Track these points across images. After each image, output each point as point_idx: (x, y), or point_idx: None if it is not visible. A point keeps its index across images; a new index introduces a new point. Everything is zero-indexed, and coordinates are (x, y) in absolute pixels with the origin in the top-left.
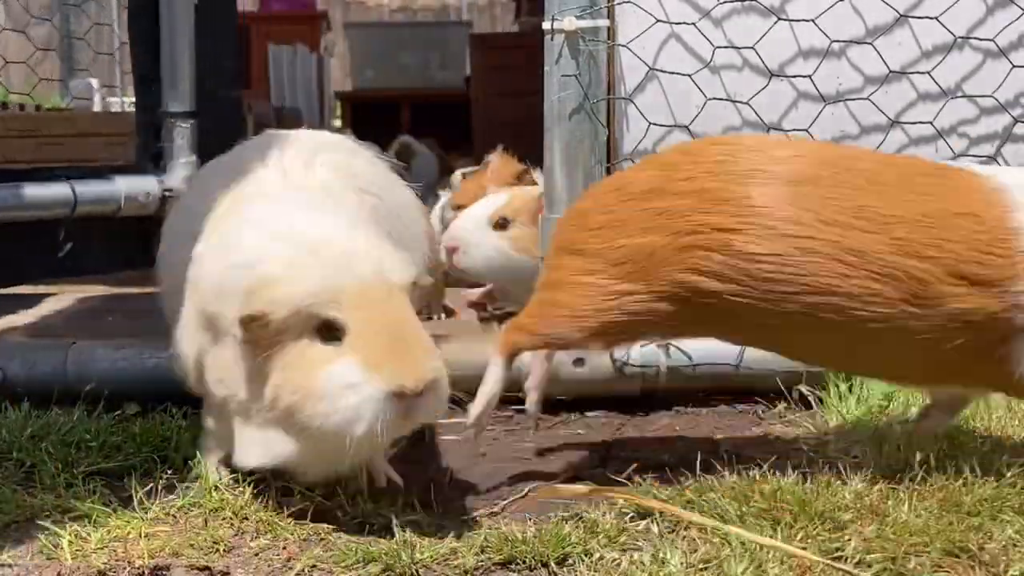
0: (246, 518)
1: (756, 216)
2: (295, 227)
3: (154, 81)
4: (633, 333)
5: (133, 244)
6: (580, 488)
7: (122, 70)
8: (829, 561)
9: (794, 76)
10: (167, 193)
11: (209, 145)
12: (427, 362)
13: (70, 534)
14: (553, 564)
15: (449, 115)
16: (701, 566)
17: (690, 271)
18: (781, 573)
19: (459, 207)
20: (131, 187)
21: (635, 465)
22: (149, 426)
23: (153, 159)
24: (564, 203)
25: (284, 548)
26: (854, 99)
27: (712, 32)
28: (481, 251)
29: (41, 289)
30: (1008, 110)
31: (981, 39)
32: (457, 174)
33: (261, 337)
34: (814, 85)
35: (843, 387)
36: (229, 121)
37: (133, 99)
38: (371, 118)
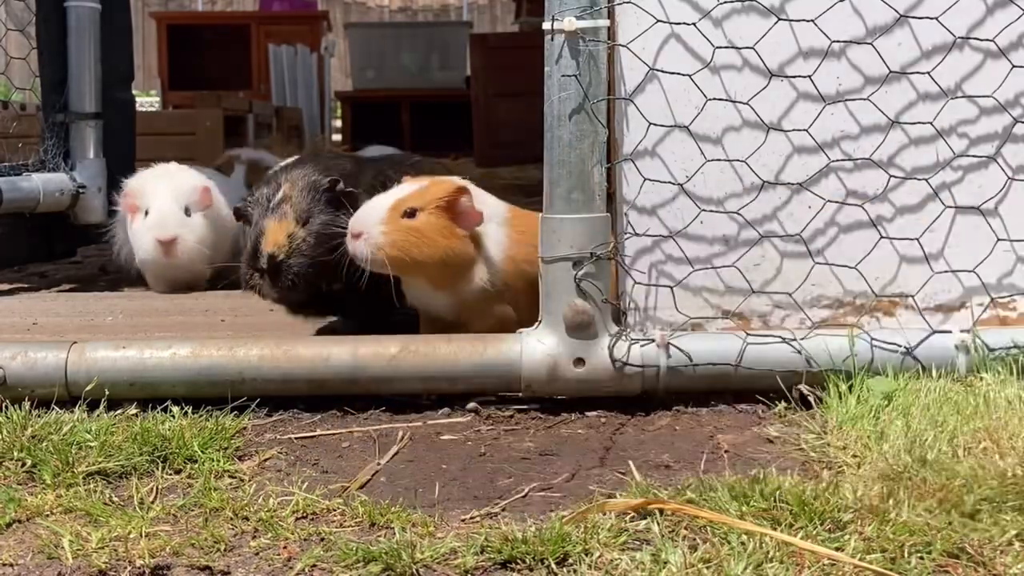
0: (246, 518)
1: None
2: None
3: (61, 84)
4: None
5: (38, 238)
6: (631, 501)
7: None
8: None
9: (794, 76)
10: (80, 190)
11: (106, 144)
12: None
13: (71, 533)
14: (553, 564)
15: (449, 115)
16: (701, 566)
17: None
18: (781, 572)
19: None
20: (48, 184)
21: (635, 465)
22: (150, 425)
23: (63, 158)
24: (565, 202)
25: (284, 548)
26: (854, 99)
27: (712, 32)
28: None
29: (41, 289)
30: (1008, 110)
31: (981, 39)
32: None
33: None
34: (814, 85)
35: (843, 387)
36: (124, 121)
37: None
38: (371, 118)
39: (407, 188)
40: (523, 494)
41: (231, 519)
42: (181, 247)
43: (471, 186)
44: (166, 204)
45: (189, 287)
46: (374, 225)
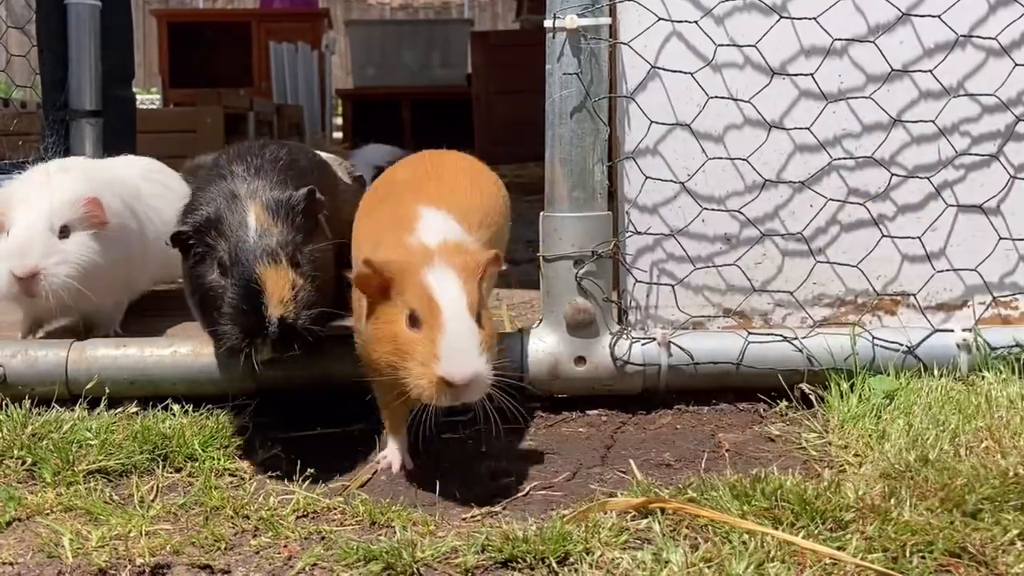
0: (247, 516)
1: None
2: None
3: (61, 82)
4: None
5: None
6: (632, 500)
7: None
8: None
9: (796, 74)
10: None
11: (106, 142)
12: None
13: (71, 532)
14: (554, 563)
15: (450, 113)
16: (702, 565)
17: None
18: (782, 571)
19: None
20: None
21: (636, 464)
22: (150, 424)
23: (63, 156)
24: (566, 201)
25: (285, 546)
26: (856, 98)
27: (714, 30)
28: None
29: None
30: (1010, 108)
31: (983, 37)
32: None
33: None
34: (816, 83)
35: (844, 386)
36: (125, 119)
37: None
38: (372, 116)
39: (446, 279)
40: (524, 493)
41: (232, 518)
42: (47, 283)
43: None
44: (29, 225)
45: (85, 320)
46: (480, 358)
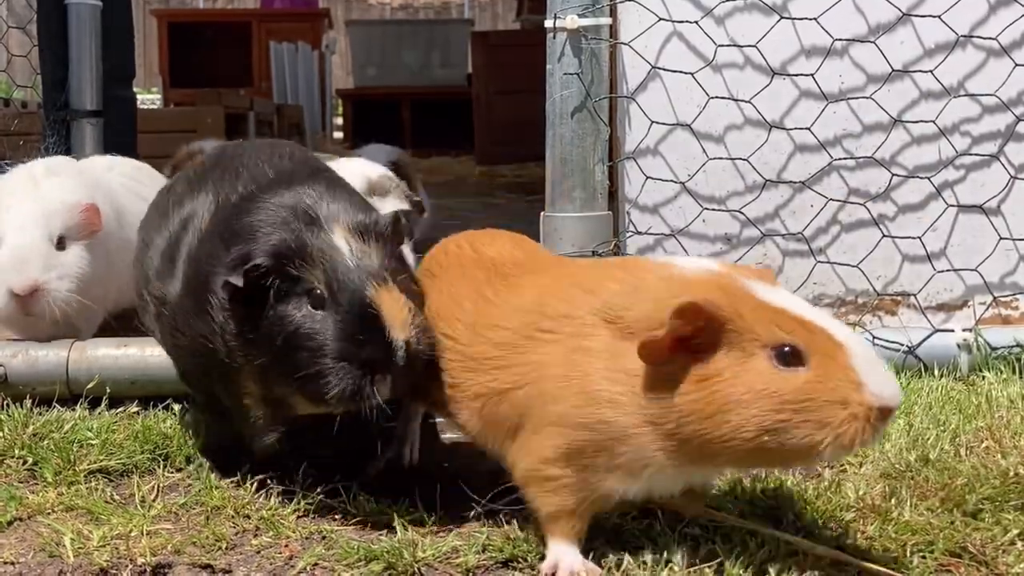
0: (248, 516)
1: None
2: None
3: (62, 82)
4: None
5: None
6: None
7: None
8: None
9: (796, 74)
10: None
11: (107, 142)
12: None
13: (72, 531)
14: None
15: (450, 113)
16: (703, 565)
17: None
18: (783, 572)
19: None
20: None
21: None
22: (151, 424)
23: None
24: (566, 201)
25: (286, 546)
26: (856, 98)
27: (714, 30)
28: None
29: None
30: (1011, 108)
31: (983, 38)
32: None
33: None
34: (816, 84)
35: None
36: (125, 119)
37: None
38: (372, 116)
39: (787, 296)
40: None
41: (232, 517)
42: (49, 299)
43: None
44: (27, 235)
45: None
46: None
